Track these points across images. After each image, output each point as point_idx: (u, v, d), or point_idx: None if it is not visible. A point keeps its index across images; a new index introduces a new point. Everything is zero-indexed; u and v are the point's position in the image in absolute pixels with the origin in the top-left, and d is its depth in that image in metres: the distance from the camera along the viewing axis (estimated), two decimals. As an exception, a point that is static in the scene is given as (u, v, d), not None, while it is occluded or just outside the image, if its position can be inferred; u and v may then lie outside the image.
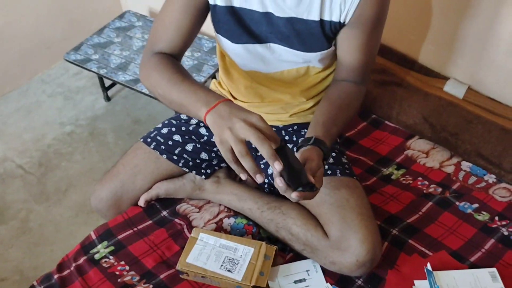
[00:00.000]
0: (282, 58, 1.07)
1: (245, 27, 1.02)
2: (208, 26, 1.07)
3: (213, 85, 1.31)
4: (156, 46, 1.03)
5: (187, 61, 1.93)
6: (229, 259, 1.09)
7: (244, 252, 1.10)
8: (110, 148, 1.97)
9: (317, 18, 0.97)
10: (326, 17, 0.98)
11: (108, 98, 2.15)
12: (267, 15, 0.99)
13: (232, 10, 1.00)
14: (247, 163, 0.79)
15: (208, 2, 1.00)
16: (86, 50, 1.99)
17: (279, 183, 0.82)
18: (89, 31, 2.15)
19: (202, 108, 0.86)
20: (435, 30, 1.43)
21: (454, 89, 1.41)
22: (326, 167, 1.15)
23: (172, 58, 1.02)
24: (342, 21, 0.98)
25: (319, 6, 0.96)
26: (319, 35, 1.00)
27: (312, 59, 1.07)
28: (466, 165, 1.32)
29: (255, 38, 1.03)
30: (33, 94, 2.20)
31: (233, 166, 0.83)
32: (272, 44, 1.04)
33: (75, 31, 2.25)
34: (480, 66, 1.39)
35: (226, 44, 1.07)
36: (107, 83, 2.10)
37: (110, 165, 1.88)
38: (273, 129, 1.19)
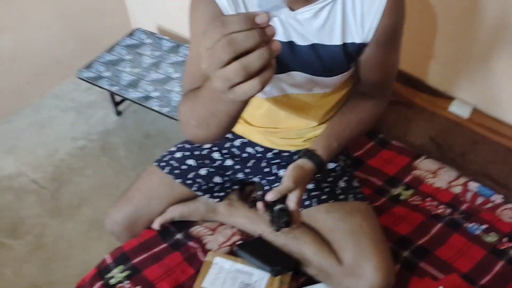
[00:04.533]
0: (302, 84, 1.03)
1: None
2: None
3: None
4: (187, 89, 0.99)
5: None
6: (245, 284, 1.04)
7: (259, 277, 1.05)
8: (122, 162, 1.92)
9: (339, 42, 0.94)
10: (349, 40, 0.94)
11: (118, 113, 2.11)
12: (290, 44, 0.94)
13: None
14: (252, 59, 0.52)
15: None
16: (98, 67, 1.94)
17: (259, 207, 0.90)
18: (99, 48, 2.10)
19: (215, 96, 0.68)
20: (440, 51, 1.38)
21: (459, 109, 1.37)
22: (338, 191, 1.11)
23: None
24: (364, 41, 0.94)
25: (341, 30, 0.92)
26: (342, 58, 0.96)
27: (331, 83, 1.03)
28: (473, 186, 1.27)
29: (278, 68, 0.99)
30: (46, 109, 2.14)
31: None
32: (293, 72, 1.00)
33: (86, 49, 2.20)
34: (485, 86, 1.34)
35: None
36: (118, 98, 2.05)
37: (122, 179, 1.85)
38: (286, 153, 1.18)
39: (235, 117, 0.74)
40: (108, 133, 2.03)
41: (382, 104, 1.09)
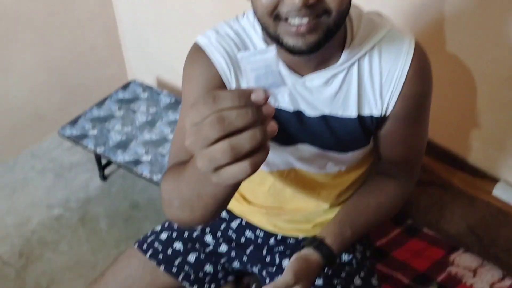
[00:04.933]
0: (311, 159, 1.06)
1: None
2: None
3: None
4: (172, 163, 1.04)
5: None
6: None
7: None
8: (102, 237, 1.95)
9: (354, 115, 0.97)
10: (366, 112, 0.98)
11: (104, 177, 2.17)
12: (298, 114, 0.99)
13: None
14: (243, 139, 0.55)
15: None
16: (84, 124, 2.03)
17: None
18: (88, 102, 2.21)
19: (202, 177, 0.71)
20: (481, 125, 1.42)
21: (505, 193, 1.38)
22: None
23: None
24: (383, 114, 0.98)
25: (356, 101, 0.96)
26: (358, 132, 1.00)
27: (346, 159, 1.06)
28: (521, 289, 1.26)
29: (283, 139, 1.03)
30: (21, 170, 2.22)
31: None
32: (301, 145, 1.03)
33: (73, 101, 2.31)
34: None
35: None
36: (104, 160, 2.13)
37: (101, 258, 1.88)
38: (291, 240, 1.20)
39: (224, 202, 0.76)
40: (89, 201, 2.08)
41: (408, 187, 1.11)
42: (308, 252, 1.00)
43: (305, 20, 0.78)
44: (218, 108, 0.53)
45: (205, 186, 0.71)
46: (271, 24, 0.82)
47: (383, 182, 1.10)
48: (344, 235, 1.03)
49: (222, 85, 0.96)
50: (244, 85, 0.96)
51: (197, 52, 0.96)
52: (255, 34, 0.96)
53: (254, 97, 0.55)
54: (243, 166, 0.54)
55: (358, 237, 1.07)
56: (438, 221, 1.39)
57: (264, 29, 0.85)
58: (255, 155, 0.55)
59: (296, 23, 0.79)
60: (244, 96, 0.54)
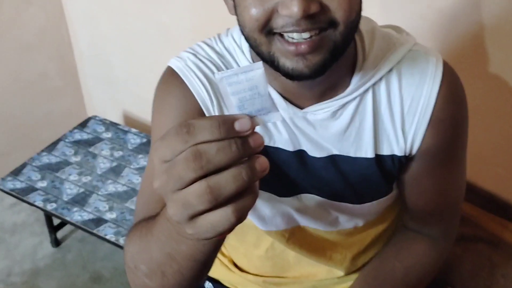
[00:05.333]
0: (319, 214, 1.06)
1: (273, 174, 1.01)
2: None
3: None
4: (140, 216, 1.02)
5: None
6: None
7: None
8: (55, 320, 1.94)
9: (370, 155, 0.98)
10: (384, 151, 0.98)
11: (56, 243, 2.15)
12: (299, 155, 0.99)
13: None
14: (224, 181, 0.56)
15: None
16: (30, 174, 2.02)
17: None
18: (36, 144, 2.21)
19: (173, 232, 0.72)
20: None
21: None
22: None
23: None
24: (407, 153, 0.98)
25: (372, 137, 0.96)
26: (376, 177, 1.00)
27: (363, 212, 1.06)
28: None
29: (282, 188, 1.04)
30: (-51, 234, 2.22)
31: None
32: (304, 195, 1.03)
33: (17, 145, 2.31)
34: None
35: None
36: (57, 220, 2.11)
37: None
38: None
39: (204, 265, 0.75)
40: (38, 273, 2.05)
41: (444, 246, 1.11)
42: None
43: (306, 36, 0.78)
44: (194, 141, 0.53)
45: (178, 243, 0.70)
46: (263, 41, 0.81)
47: (412, 241, 1.10)
48: None
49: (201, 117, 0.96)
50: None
51: (170, 78, 0.97)
52: (243, 55, 0.97)
53: (238, 126, 0.54)
54: (225, 213, 0.54)
55: None
56: (489, 287, 1.39)
57: (255, 48, 0.85)
58: (240, 200, 0.54)
59: (295, 39, 0.78)
60: (226, 125, 0.53)
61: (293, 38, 0.78)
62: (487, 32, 1.34)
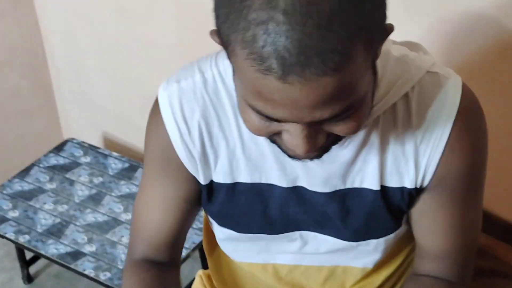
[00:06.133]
0: (320, 252, 1.07)
1: (258, 211, 1.03)
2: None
3: (199, 280, 1.30)
4: (135, 251, 1.09)
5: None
6: None
7: None
8: None
9: (376, 187, 0.98)
10: (393, 183, 0.98)
11: (29, 279, 2.14)
12: (296, 191, 1.00)
13: (236, 189, 1.02)
14: None
15: (197, 184, 1.03)
16: (0, 203, 2.03)
17: None
18: (8, 170, 2.21)
19: None
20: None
21: None
22: None
23: (155, 278, 1.06)
24: (418, 185, 0.98)
25: (378, 168, 0.97)
26: (382, 211, 1.00)
27: (370, 250, 1.07)
28: None
29: (277, 226, 1.05)
30: None
31: None
32: (304, 233, 1.05)
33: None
34: None
35: (228, 234, 1.08)
36: (30, 254, 2.11)
37: None
38: None
39: None
40: (8, 314, 2.06)
41: None
42: None
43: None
44: None
45: None
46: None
47: (424, 284, 1.07)
48: None
49: (182, 166, 1.00)
50: (211, 168, 1.00)
51: (154, 113, 1.00)
52: (227, 99, 0.97)
53: None
54: None
55: None
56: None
57: None
58: None
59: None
60: None
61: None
62: (509, 46, 1.36)
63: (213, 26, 0.75)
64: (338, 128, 0.78)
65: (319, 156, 0.86)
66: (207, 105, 0.96)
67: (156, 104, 0.99)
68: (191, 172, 1.00)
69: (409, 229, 1.08)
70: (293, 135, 0.77)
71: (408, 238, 1.11)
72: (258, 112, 0.75)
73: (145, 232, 1.08)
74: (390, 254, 1.11)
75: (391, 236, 1.04)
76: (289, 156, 0.86)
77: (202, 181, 1.01)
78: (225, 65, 0.96)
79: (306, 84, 0.68)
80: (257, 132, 0.82)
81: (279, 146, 0.85)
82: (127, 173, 2.14)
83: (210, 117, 0.96)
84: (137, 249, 1.09)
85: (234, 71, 0.77)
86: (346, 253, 1.07)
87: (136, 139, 2.28)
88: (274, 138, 0.83)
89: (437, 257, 1.06)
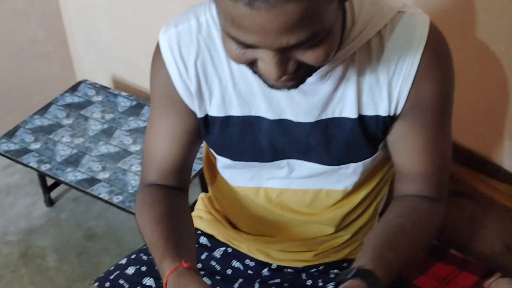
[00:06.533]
0: (305, 177, 1.06)
1: (249, 142, 1.03)
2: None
3: (201, 202, 1.29)
4: (147, 177, 1.11)
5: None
6: None
7: None
8: (50, 276, 1.92)
9: (354, 115, 0.97)
10: (369, 112, 0.98)
11: (50, 202, 2.14)
12: (282, 123, 0.99)
13: (229, 121, 1.02)
14: None
15: (197, 118, 1.04)
16: (23, 136, 1.99)
17: None
18: (28, 108, 2.18)
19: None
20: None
21: (547, 203, 1.38)
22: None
23: (165, 196, 1.07)
24: (392, 113, 0.98)
25: (355, 98, 0.96)
26: (359, 138, 1.00)
27: (349, 174, 1.06)
28: None
29: (266, 155, 1.04)
30: None
31: None
32: (291, 161, 1.03)
33: (9, 108, 2.28)
34: None
35: (224, 162, 1.09)
36: (50, 180, 2.09)
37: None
38: (290, 270, 1.18)
39: None
40: (33, 232, 2.05)
41: (440, 207, 1.06)
42: (356, 284, 0.89)
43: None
44: None
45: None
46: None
47: (411, 203, 1.05)
48: (386, 258, 0.94)
49: (177, 97, 1.01)
50: (206, 103, 1.01)
51: (156, 56, 1.02)
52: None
53: None
54: None
55: (404, 263, 0.98)
56: (469, 240, 1.40)
57: None
58: None
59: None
60: None
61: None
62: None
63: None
64: (306, 57, 0.78)
65: (295, 86, 0.86)
66: (202, 47, 0.97)
67: (157, 47, 1.01)
68: (190, 107, 1.02)
69: (384, 155, 1.07)
70: (266, 61, 0.78)
71: (383, 163, 1.11)
72: (233, 39, 0.76)
73: (155, 160, 1.09)
74: (367, 177, 1.10)
75: (368, 160, 1.04)
76: (269, 86, 0.86)
77: (199, 114, 1.02)
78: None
79: (271, 10, 0.68)
80: (236, 60, 0.82)
81: (260, 77, 0.85)
82: (135, 110, 2.11)
83: (205, 57, 0.98)
84: (149, 176, 1.10)
85: (215, 3, 0.76)
86: (329, 177, 1.07)
87: (141, 80, 2.25)
88: (254, 68, 0.83)
89: (415, 179, 1.05)
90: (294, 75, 0.82)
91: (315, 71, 0.86)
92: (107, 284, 1.18)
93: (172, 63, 0.98)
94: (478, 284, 1.33)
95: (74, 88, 2.19)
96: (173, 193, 1.09)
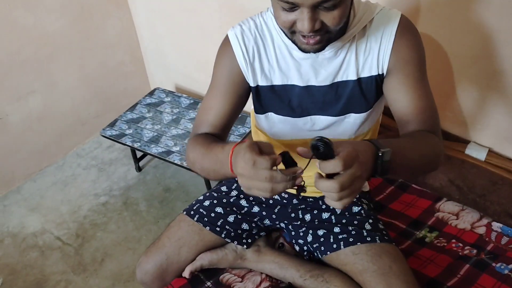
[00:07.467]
0: (322, 128, 1.05)
1: (287, 103, 1.02)
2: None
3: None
4: (199, 130, 1.04)
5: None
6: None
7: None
8: (143, 216, 1.94)
9: (354, 77, 0.97)
10: (365, 74, 0.97)
11: (139, 169, 2.16)
12: (308, 89, 0.99)
13: (274, 89, 1.01)
14: (281, 188, 0.73)
15: (248, 85, 1.02)
16: (121, 125, 2.01)
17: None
18: (120, 108, 2.20)
19: (225, 167, 0.83)
20: (452, 97, 1.44)
21: (475, 152, 1.40)
22: (365, 233, 1.11)
23: (208, 135, 1.01)
24: (380, 72, 0.96)
25: (355, 65, 0.96)
26: (358, 94, 0.99)
27: (351, 122, 1.03)
28: (496, 226, 1.28)
29: (296, 112, 1.03)
30: (69, 168, 2.20)
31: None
32: (313, 117, 1.03)
33: (108, 109, 2.30)
34: (499, 129, 1.38)
35: (271, 117, 1.06)
36: (138, 154, 2.12)
37: (144, 233, 1.87)
38: (311, 199, 1.20)
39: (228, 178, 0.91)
40: (129, 189, 2.07)
41: (439, 139, 0.94)
42: (357, 144, 0.77)
43: (312, 35, 0.84)
44: (257, 169, 0.74)
45: (223, 169, 0.84)
46: (288, 33, 0.88)
47: (418, 132, 0.93)
48: (398, 145, 0.82)
49: (240, 74, 1.00)
50: (258, 76, 0.99)
51: (225, 43, 1.00)
52: (274, 28, 0.98)
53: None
54: (265, 190, 0.74)
55: (412, 159, 0.85)
56: (424, 177, 1.41)
57: (282, 30, 0.91)
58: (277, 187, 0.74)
59: (306, 37, 0.85)
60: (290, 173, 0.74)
61: (304, 38, 0.86)
62: (423, 7, 1.33)
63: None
64: (327, 17, 0.81)
65: (319, 49, 0.88)
66: (257, 38, 0.98)
67: (225, 39, 1.00)
68: (246, 77, 1.00)
69: (375, 114, 1.05)
70: (301, 19, 0.81)
71: (375, 120, 1.09)
72: (281, 2, 0.80)
73: (208, 116, 1.03)
74: (363, 129, 1.07)
75: (365, 114, 1.02)
76: (302, 50, 0.88)
77: (252, 83, 1.01)
78: (267, 16, 1.00)
79: None
80: (283, 23, 0.85)
81: (296, 44, 0.88)
82: (193, 106, 2.11)
83: (259, 45, 0.99)
84: (199, 129, 1.03)
85: None
86: (337, 126, 1.04)
87: (195, 86, 2.26)
88: (294, 29, 0.85)
89: (412, 118, 0.95)
90: (319, 37, 0.85)
91: (331, 40, 0.88)
92: (192, 212, 1.20)
93: (237, 47, 0.98)
94: (432, 206, 1.35)
95: (151, 93, 2.20)
96: (218, 138, 1.02)
